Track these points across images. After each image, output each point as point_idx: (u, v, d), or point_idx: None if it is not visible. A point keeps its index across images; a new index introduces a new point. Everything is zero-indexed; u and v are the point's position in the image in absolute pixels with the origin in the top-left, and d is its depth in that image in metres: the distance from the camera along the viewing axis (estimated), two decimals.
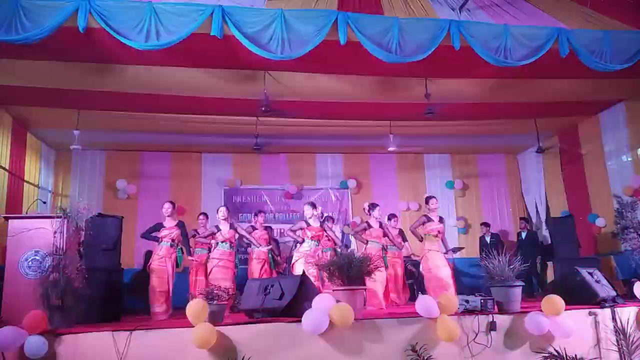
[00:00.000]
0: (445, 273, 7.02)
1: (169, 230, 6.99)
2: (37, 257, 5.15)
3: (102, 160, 10.58)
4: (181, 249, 7.05)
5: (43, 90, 7.23)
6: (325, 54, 6.04)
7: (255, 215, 9.00)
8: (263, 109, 7.19)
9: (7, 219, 5.62)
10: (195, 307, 4.38)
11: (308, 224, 7.35)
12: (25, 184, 8.92)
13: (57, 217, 5.15)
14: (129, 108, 8.18)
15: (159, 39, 5.48)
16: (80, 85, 7.20)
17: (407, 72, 6.94)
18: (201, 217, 8.69)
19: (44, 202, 7.95)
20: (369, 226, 7.64)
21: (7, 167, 8.21)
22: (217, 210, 7.40)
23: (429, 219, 7.31)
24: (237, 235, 7.32)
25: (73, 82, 7.09)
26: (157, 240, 7.02)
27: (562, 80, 7.51)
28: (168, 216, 7.09)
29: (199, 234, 8.14)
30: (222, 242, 7.14)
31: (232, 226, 7.22)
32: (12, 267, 5.23)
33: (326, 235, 7.63)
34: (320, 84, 7.46)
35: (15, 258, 5.25)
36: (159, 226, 7.06)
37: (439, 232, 7.28)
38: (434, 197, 7.60)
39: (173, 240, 6.96)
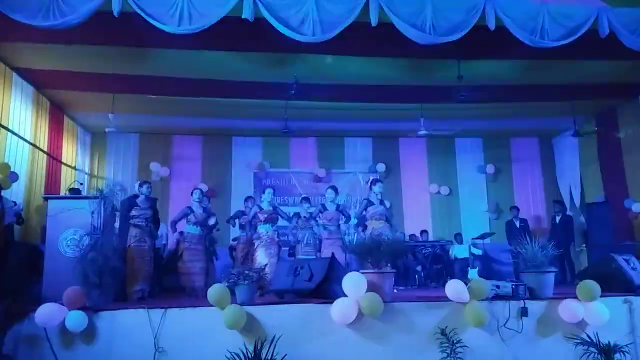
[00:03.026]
0: None
1: (143, 210, 6.79)
2: (76, 236, 5.32)
3: (135, 143, 10.82)
4: (155, 227, 7.04)
5: (79, 74, 7.44)
6: (356, 36, 5.98)
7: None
8: (293, 92, 7.18)
9: (46, 199, 5.82)
10: (216, 293, 4.45)
11: (261, 208, 7.35)
12: (62, 165, 9.20)
13: (94, 197, 5.29)
14: (162, 91, 8.31)
15: (192, 23, 5.51)
16: (115, 69, 7.36)
17: (440, 54, 6.80)
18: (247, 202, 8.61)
19: (81, 184, 8.18)
20: (324, 209, 7.58)
21: (45, 150, 8.48)
22: (192, 192, 7.28)
23: (371, 203, 7.29)
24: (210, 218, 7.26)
25: (108, 66, 7.25)
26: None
27: (601, 61, 7.25)
28: (144, 196, 6.90)
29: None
30: (193, 224, 7.09)
31: (205, 210, 7.18)
32: (52, 246, 5.42)
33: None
34: (351, 67, 7.42)
35: (55, 237, 5.43)
36: (133, 204, 6.85)
37: (380, 215, 7.23)
38: (380, 181, 7.56)
39: (147, 220, 6.80)
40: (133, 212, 6.70)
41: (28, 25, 5.28)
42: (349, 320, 4.45)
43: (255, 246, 7.29)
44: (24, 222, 7.25)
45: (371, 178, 7.66)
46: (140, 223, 6.69)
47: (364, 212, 7.45)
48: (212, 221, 7.31)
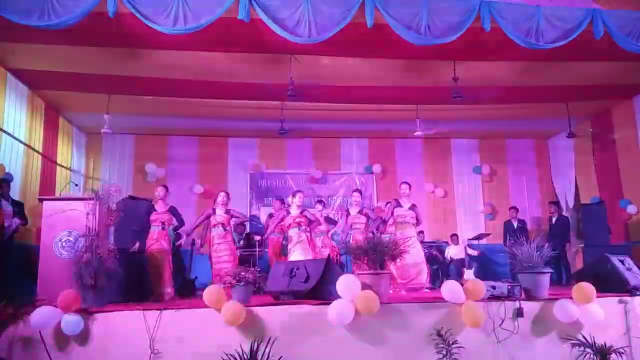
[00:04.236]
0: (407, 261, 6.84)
1: (160, 214, 6.99)
2: (71, 238, 5.28)
3: (131, 144, 10.79)
4: (173, 229, 7.12)
5: (74, 75, 7.41)
6: (352, 37, 5.99)
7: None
8: (289, 93, 7.18)
9: (41, 200, 5.77)
10: (212, 294, 4.45)
11: (288, 212, 7.44)
12: (57, 166, 9.16)
13: (89, 199, 5.26)
14: (157, 92, 8.29)
15: (187, 23, 5.51)
16: (111, 70, 7.34)
17: (435, 55, 6.83)
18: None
19: (76, 185, 8.15)
20: (348, 213, 7.75)
21: (40, 151, 8.44)
22: (217, 194, 7.42)
23: (399, 205, 7.30)
24: (232, 220, 7.43)
25: (103, 67, 7.23)
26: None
27: (596, 63, 7.29)
28: (160, 199, 7.10)
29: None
30: (214, 226, 7.19)
31: (228, 212, 7.28)
32: (47, 247, 5.38)
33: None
34: (346, 68, 7.42)
35: (50, 238, 5.39)
36: (151, 209, 7.07)
37: (408, 217, 7.23)
38: (404, 182, 7.55)
39: (163, 224, 6.96)
40: (152, 217, 6.92)
41: (23, 25, 5.26)
42: (346, 322, 4.44)
43: (289, 248, 7.39)
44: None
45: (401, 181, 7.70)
46: (157, 227, 6.88)
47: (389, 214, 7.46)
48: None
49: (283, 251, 8.29)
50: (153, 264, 6.72)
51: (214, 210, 7.28)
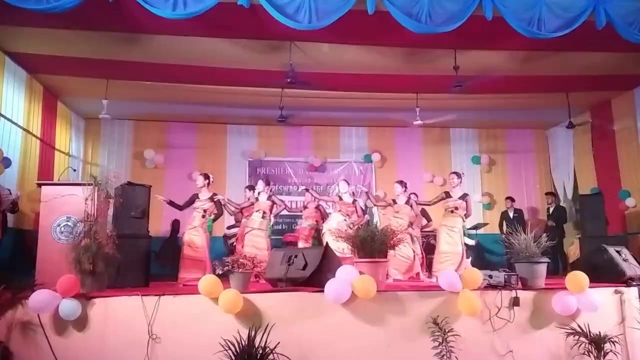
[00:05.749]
0: (443, 249, 7.23)
1: (202, 202, 7.16)
2: (69, 223, 5.28)
3: (130, 130, 10.77)
4: (212, 219, 7.26)
5: (73, 59, 7.36)
6: (353, 24, 5.95)
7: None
8: (288, 80, 7.15)
9: (40, 185, 5.76)
10: (207, 284, 4.46)
11: (340, 199, 7.55)
12: (56, 151, 9.14)
13: (88, 184, 5.25)
14: (156, 78, 8.25)
15: (186, 8, 5.47)
16: (109, 55, 7.29)
17: (436, 43, 6.79)
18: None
19: (75, 170, 8.13)
20: (394, 202, 7.80)
21: (38, 135, 8.41)
22: (257, 182, 7.78)
23: (448, 195, 7.43)
24: (275, 207, 7.64)
25: (102, 52, 7.18)
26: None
27: (597, 53, 7.26)
28: (201, 187, 7.28)
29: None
30: (256, 211, 7.43)
31: (269, 198, 7.50)
32: (45, 232, 5.38)
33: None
34: (347, 55, 7.38)
35: (48, 223, 5.39)
36: (194, 197, 7.26)
37: (456, 208, 7.31)
38: (453, 173, 7.66)
39: (205, 212, 7.12)
40: (195, 204, 7.14)
41: (21, 8, 5.21)
42: (342, 300, 4.45)
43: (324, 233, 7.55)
44: (18, 209, 7.24)
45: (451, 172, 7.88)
46: (198, 213, 7.07)
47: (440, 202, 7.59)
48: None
49: (314, 241, 8.43)
50: (192, 251, 6.89)
51: (256, 198, 7.52)
